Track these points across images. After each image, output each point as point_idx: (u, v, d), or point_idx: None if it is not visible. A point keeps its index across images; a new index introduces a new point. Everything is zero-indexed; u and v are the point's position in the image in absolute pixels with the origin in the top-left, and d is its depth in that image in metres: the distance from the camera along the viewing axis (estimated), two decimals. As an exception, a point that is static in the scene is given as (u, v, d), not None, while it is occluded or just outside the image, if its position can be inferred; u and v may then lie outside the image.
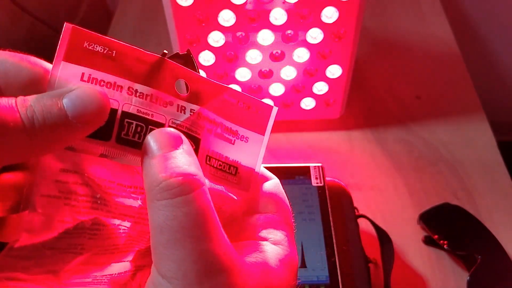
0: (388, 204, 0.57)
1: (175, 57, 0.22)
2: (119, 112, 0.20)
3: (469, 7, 1.10)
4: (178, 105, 0.21)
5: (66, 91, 0.17)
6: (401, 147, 0.64)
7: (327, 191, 0.45)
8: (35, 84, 0.18)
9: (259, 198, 0.23)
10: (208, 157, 0.22)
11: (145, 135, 0.20)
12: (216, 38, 0.53)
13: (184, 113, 0.21)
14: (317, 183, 0.46)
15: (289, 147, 0.63)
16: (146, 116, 0.20)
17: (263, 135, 0.24)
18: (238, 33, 0.53)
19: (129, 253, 0.23)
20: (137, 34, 0.86)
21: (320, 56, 0.55)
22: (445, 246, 0.50)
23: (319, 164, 0.47)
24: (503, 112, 1.37)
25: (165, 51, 0.21)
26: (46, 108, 0.17)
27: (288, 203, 0.24)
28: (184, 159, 0.19)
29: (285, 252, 0.22)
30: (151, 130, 0.20)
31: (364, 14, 0.51)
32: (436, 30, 0.82)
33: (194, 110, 0.22)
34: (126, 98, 0.20)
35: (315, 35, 0.52)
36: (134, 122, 0.20)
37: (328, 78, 0.58)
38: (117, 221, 0.22)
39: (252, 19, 0.51)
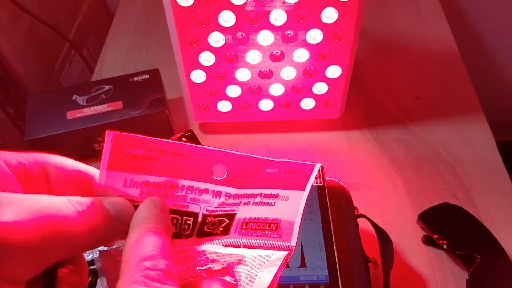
0: (387, 204, 0.57)
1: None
2: None
3: (468, 7, 1.10)
4: (213, 191, 0.23)
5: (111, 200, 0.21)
6: (400, 147, 0.64)
7: (326, 191, 0.45)
8: (82, 183, 0.22)
9: None
10: (244, 223, 0.24)
11: (181, 225, 0.22)
12: (216, 39, 0.53)
13: (219, 198, 0.23)
14: (317, 183, 0.46)
15: (288, 147, 0.63)
16: (181, 209, 0.22)
17: (303, 190, 0.25)
18: (238, 34, 0.53)
19: None
20: (138, 35, 0.86)
21: (320, 56, 0.55)
22: (444, 246, 0.50)
23: (319, 164, 0.47)
24: (502, 112, 1.37)
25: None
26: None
27: None
28: None
29: None
30: (186, 221, 0.22)
31: (364, 14, 0.52)
32: (435, 30, 0.82)
33: (230, 193, 0.23)
34: (163, 195, 0.22)
35: (314, 36, 0.53)
36: (171, 215, 0.22)
37: (328, 78, 0.58)
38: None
39: (252, 19, 0.51)
